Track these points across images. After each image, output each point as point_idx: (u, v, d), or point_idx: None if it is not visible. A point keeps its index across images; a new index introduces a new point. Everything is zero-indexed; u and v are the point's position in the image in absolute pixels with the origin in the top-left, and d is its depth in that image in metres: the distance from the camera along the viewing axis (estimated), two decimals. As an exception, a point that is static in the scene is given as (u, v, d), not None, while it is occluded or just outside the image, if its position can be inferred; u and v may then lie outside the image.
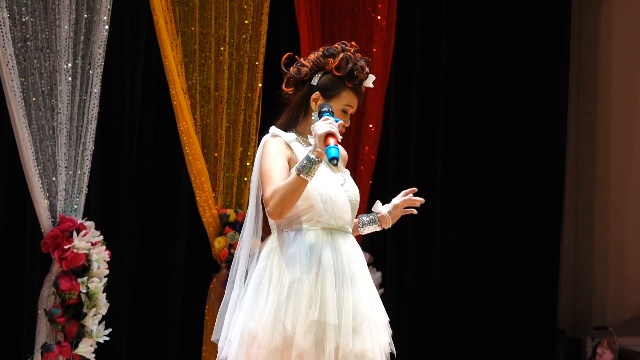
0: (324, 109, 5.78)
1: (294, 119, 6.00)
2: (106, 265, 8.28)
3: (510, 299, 10.88)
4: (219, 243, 9.10)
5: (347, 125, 5.95)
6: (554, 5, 11.41)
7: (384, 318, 5.93)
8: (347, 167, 6.12)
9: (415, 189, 6.05)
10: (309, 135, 5.90)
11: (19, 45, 8.18)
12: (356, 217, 6.07)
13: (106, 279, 8.27)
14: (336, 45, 5.98)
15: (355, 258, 5.95)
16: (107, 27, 8.45)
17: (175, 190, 9.36)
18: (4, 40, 8.06)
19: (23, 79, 8.17)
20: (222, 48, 9.12)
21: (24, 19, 8.21)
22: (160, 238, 9.47)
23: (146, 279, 9.40)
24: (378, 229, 6.14)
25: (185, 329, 9.40)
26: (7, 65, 8.06)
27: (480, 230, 10.72)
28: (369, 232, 6.15)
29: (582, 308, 11.61)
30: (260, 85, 9.30)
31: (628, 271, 11.32)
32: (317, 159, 5.62)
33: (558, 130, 11.56)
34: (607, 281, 11.52)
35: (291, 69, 6.03)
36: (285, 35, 9.82)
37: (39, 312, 8.18)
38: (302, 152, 5.87)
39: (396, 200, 6.10)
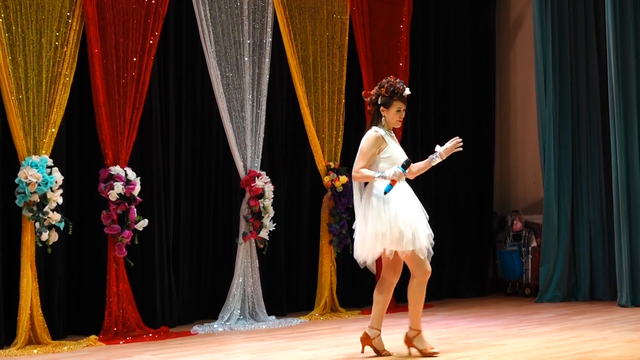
0: (403, 164, 5.88)
1: (377, 121, 6.04)
2: (272, 193, 8.41)
3: (466, 194, 10.64)
4: (326, 178, 8.84)
5: (402, 117, 6.05)
6: (487, 44, 10.92)
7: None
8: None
9: (458, 138, 6.09)
10: (386, 135, 6.00)
11: (224, 86, 8.20)
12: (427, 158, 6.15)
13: (272, 199, 8.40)
14: (383, 80, 6.09)
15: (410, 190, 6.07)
16: (267, 76, 8.54)
17: (302, 153, 9.06)
18: (217, 84, 8.14)
19: (228, 104, 8.26)
20: (325, 84, 8.93)
21: (227, 75, 8.25)
22: (296, 179, 9.12)
23: (291, 198, 9.06)
24: (439, 161, 6.11)
25: (311, 224, 9.05)
26: (220, 97, 8.17)
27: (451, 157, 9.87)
28: (435, 164, 6.14)
29: (506, 198, 11.16)
30: (343, 101, 9.08)
31: (528, 177, 10.93)
32: (389, 178, 5.78)
33: (489, 106, 11.00)
34: (518, 182, 11.08)
35: (367, 98, 6.14)
36: (355, 77, 9.30)
37: (241, 216, 8.32)
38: (388, 139, 5.98)
39: (447, 144, 6.08)
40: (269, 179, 8.44)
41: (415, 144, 9.99)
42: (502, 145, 11.36)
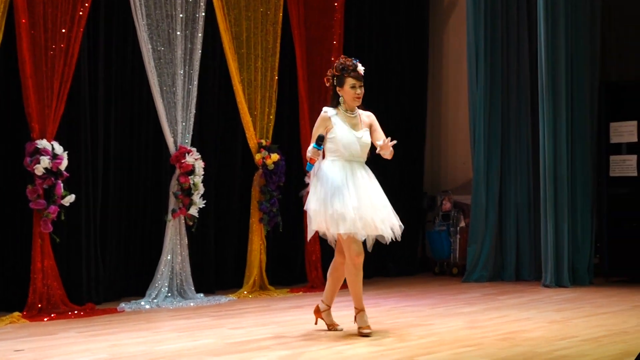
0: (317, 141, 5.87)
1: (335, 102, 6.06)
2: (202, 170, 8.34)
3: (397, 173, 10.46)
4: (258, 156, 8.83)
5: (360, 92, 6.04)
6: (421, 24, 11.00)
7: (387, 206, 6.06)
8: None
9: (388, 139, 5.94)
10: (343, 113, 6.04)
11: (155, 61, 8.09)
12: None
13: (203, 176, 8.33)
14: (335, 60, 6.16)
15: (365, 175, 6.04)
16: (200, 51, 8.44)
17: (234, 129, 8.94)
18: (149, 59, 8.01)
19: (159, 78, 8.14)
20: (258, 60, 8.89)
21: (159, 49, 8.14)
22: (227, 156, 9.02)
23: (222, 175, 9.00)
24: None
25: (242, 202, 9.04)
26: (150, 72, 8.05)
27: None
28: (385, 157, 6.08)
29: (436, 178, 11.31)
30: (276, 78, 9.06)
31: (458, 158, 11.09)
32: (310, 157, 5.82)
33: (422, 87, 11.11)
34: (448, 165, 11.22)
35: (328, 83, 6.13)
36: (288, 55, 9.30)
37: (170, 192, 8.24)
38: (337, 120, 6.00)
39: (381, 144, 5.95)
40: (200, 156, 8.37)
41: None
42: (434, 126, 11.48)
